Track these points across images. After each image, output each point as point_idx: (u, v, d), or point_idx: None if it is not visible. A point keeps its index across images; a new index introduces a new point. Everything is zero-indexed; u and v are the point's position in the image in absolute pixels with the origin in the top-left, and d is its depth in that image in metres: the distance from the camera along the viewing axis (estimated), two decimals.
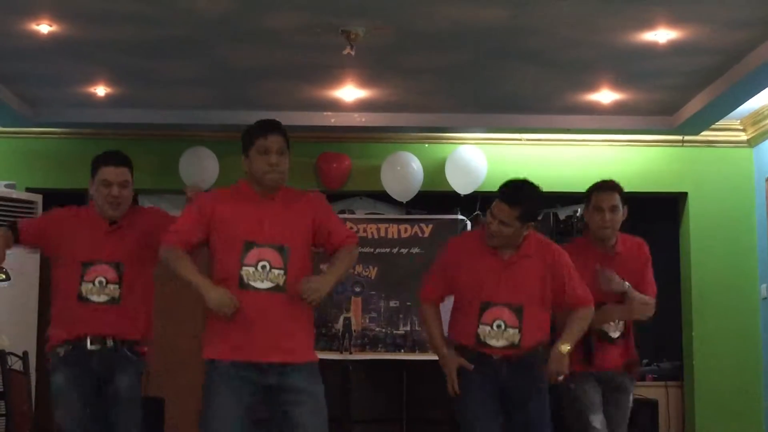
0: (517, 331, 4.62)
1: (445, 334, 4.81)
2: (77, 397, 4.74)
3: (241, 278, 4.24)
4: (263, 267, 4.26)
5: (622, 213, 5.17)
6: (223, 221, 4.32)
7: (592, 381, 5.06)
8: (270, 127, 4.37)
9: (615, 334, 5.18)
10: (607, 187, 5.21)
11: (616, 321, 5.13)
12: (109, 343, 4.76)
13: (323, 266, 4.48)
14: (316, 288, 4.21)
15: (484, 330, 4.62)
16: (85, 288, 4.78)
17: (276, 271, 4.26)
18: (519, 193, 4.73)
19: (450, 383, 4.67)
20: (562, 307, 4.78)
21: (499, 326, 4.62)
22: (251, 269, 4.24)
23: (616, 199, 5.15)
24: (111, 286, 4.78)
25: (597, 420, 5.01)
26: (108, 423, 4.78)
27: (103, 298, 4.77)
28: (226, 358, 4.24)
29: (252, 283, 4.24)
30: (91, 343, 4.75)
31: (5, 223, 7.36)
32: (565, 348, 4.68)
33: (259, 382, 4.23)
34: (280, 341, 4.23)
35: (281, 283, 4.25)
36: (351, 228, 4.64)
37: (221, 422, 4.19)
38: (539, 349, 4.72)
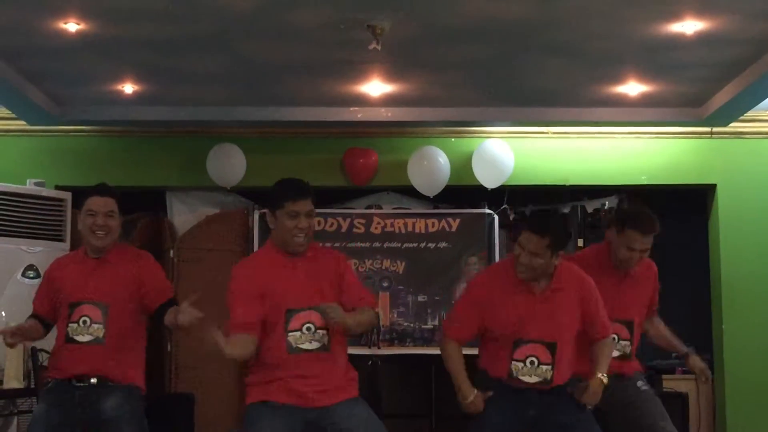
0: (550, 367, 4.56)
1: None
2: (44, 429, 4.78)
3: (289, 344, 4.39)
4: (308, 329, 4.41)
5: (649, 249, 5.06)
6: (267, 294, 4.44)
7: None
8: (300, 191, 4.47)
9: (615, 354, 5.05)
10: (645, 230, 4.98)
11: (615, 339, 5.04)
12: (93, 380, 4.78)
13: None
14: (341, 315, 4.33)
15: (516, 366, 4.57)
16: (71, 329, 4.83)
17: (320, 332, 4.43)
18: (547, 221, 4.68)
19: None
20: (586, 335, 4.72)
21: (532, 362, 4.56)
22: (297, 333, 4.40)
23: (650, 243, 5.01)
24: (95, 326, 4.80)
25: None
26: None
27: (87, 338, 4.81)
28: (275, 399, 4.37)
29: (300, 346, 4.40)
30: (77, 381, 4.79)
31: (34, 221, 7.51)
32: (605, 379, 4.64)
33: (305, 417, 4.38)
34: (327, 390, 4.41)
35: (326, 342, 4.43)
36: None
37: None
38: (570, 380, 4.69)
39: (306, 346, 4.38)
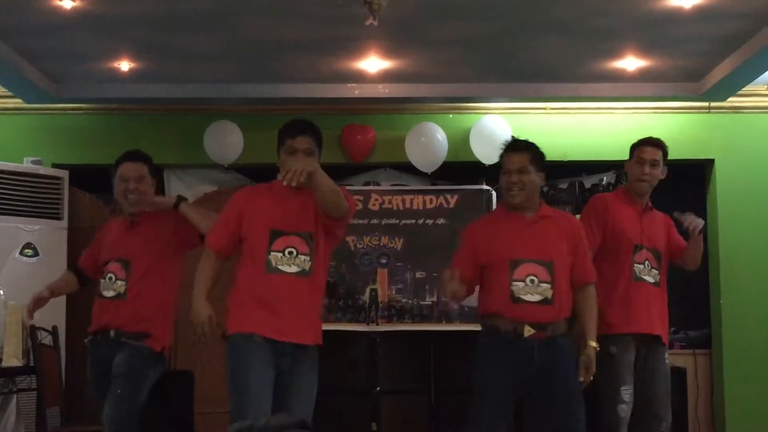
0: (549, 286, 4.65)
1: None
2: (93, 386, 5.08)
3: (268, 263, 4.43)
4: (290, 253, 4.45)
5: (661, 171, 5.50)
6: (254, 214, 4.52)
7: (632, 346, 5.25)
8: (298, 128, 4.53)
9: (650, 279, 5.38)
10: (651, 142, 5.57)
11: (648, 265, 5.36)
12: (111, 334, 4.99)
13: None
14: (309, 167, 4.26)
15: (517, 286, 4.65)
16: (102, 285, 5.07)
17: (302, 257, 4.47)
18: (520, 141, 4.90)
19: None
20: (572, 280, 4.79)
21: (532, 281, 4.65)
22: (279, 254, 4.44)
23: (658, 155, 5.49)
24: (118, 282, 5.02)
25: (627, 394, 5.17)
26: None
27: (111, 294, 5.04)
28: (253, 331, 4.41)
29: (279, 267, 4.44)
30: (100, 336, 5.03)
31: (32, 199, 7.52)
32: (595, 345, 4.73)
33: (277, 362, 4.42)
34: (299, 322, 4.45)
35: (307, 268, 4.47)
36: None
37: (257, 395, 4.34)
38: (567, 329, 4.76)
39: (285, 268, 4.43)
